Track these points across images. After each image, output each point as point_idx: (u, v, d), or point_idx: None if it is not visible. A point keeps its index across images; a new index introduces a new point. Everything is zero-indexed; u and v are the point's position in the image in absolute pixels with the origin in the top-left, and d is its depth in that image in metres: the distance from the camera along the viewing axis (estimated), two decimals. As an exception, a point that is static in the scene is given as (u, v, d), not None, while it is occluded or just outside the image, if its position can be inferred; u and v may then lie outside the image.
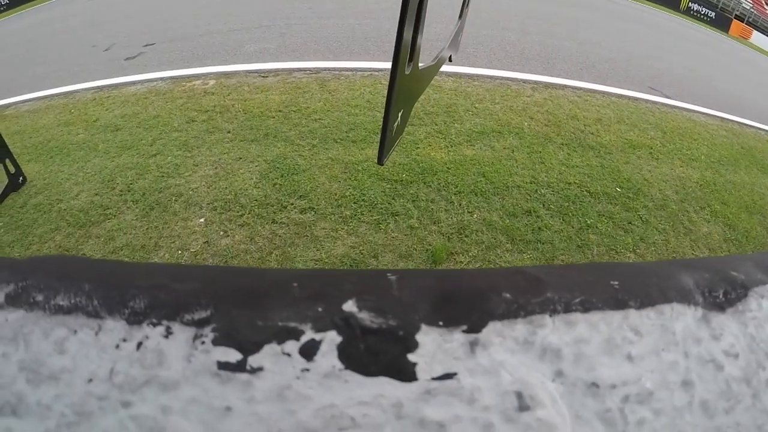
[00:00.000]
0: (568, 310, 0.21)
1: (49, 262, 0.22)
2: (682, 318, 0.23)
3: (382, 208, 3.03)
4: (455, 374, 0.19)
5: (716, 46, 12.87)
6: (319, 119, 3.94)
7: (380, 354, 0.19)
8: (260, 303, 0.20)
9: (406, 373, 0.19)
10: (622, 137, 4.44)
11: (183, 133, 3.81)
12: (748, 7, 21.70)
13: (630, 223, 3.34)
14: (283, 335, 0.19)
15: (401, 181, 3.28)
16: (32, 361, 0.18)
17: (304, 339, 0.19)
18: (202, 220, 2.98)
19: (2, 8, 12.72)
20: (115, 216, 3.01)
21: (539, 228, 3.08)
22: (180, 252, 2.77)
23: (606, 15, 7.52)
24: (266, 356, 0.18)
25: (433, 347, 0.19)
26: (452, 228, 2.97)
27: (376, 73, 4.87)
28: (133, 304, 0.19)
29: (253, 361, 0.18)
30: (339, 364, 0.19)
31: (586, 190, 3.54)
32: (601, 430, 0.19)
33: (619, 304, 0.22)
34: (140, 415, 0.17)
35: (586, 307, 0.22)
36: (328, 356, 0.19)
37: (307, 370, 0.18)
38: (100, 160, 3.57)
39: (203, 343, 0.19)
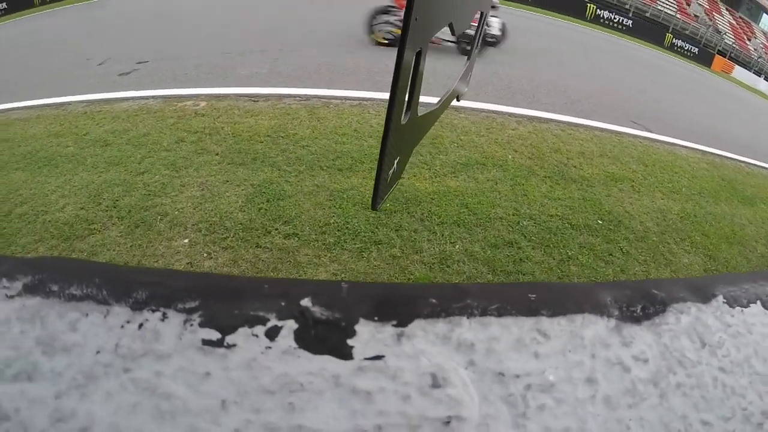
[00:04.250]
0: (484, 314, 0.26)
1: (60, 260, 0.26)
2: (593, 326, 0.27)
3: (365, 237, 3.06)
4: (383, 357, 0.24)
5: (699, 81, 13.28)
6: (307, 146, 3.97)
7: (326, 338, 0.24)
8: (237, 297, 0.25)
9: (344, 354, 0.24)
10: (605, 170, 4.54)
11: (171, 153, 3.82)
12: (731, 43, 22.48)
13: (611, 254, 3.39)
14: (254, 321, 0.24)
15: (385, 210, 3.30)
16: (48, 336, 0.22)
17: (269, 324, 0.24)
18: (186, 240, 2.97)
19: (0, 13, 12.70)
20: (99, 231, 2.99)
21: (520, 259, 3.12)
22: (162, 273, 2.76)
23: (594, 51, 7.75)
24: (239, 336, 0.24)
25: (368, 336, 0.24)
26: (434, 258, 3.00)
27: (365, 102, 4.93)
28: (136, 295, 0.24)
29: (229, 339, 0.23)
30: (294, 344, 0.24)
31: (567, 223, 3.59)
32: (504, 410, 0.24)
33: (532, 312, 0.27)
34: (138, 379, 0.22)
35: (500, 313, 0.26)
36: (286, 338, 0.24)
37: (270, 347, 0.23)
38: (88, 174, 3.56)
39: (191, 325, 0.24)
